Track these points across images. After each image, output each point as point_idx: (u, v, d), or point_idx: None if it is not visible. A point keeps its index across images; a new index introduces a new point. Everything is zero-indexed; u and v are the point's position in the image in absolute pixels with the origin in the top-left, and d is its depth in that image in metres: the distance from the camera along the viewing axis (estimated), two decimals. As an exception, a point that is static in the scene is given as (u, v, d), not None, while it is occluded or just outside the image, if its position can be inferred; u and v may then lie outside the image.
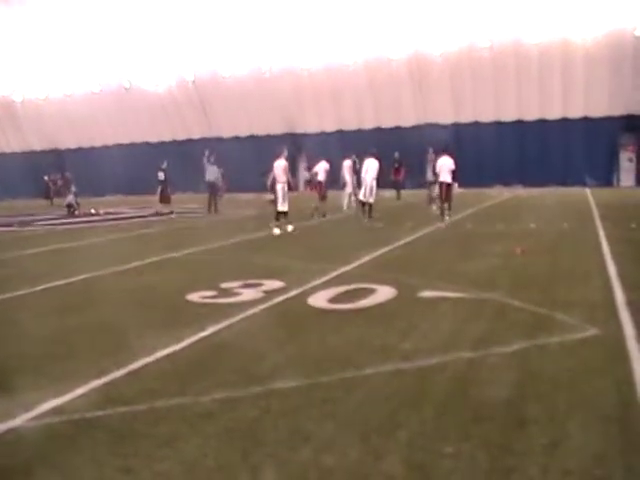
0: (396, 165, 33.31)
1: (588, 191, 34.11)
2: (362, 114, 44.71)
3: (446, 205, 19.83)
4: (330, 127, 45.54)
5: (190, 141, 48.69)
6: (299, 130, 46.38)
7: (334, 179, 25.59)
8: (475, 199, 29.19)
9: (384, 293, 9.10)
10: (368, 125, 44.49)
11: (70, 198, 31.10)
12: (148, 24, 46.02)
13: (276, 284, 9.99)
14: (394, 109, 43.72)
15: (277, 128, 45.98)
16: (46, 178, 44.76)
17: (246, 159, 44.44)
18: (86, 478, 4.04)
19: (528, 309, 7.95)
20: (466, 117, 42.50)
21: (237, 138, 48.47)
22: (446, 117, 42.49)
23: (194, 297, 9.26)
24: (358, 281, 10.02)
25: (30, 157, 54.48)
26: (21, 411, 5.01)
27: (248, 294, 9.32)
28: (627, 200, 28.21)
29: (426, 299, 8.81)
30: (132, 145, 51.53)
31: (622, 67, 37.74)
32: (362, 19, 41.30)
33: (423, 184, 26.77)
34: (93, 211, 30.67)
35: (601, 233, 15.65)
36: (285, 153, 19.30)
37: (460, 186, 22.20)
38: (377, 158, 21.36)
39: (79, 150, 54.06)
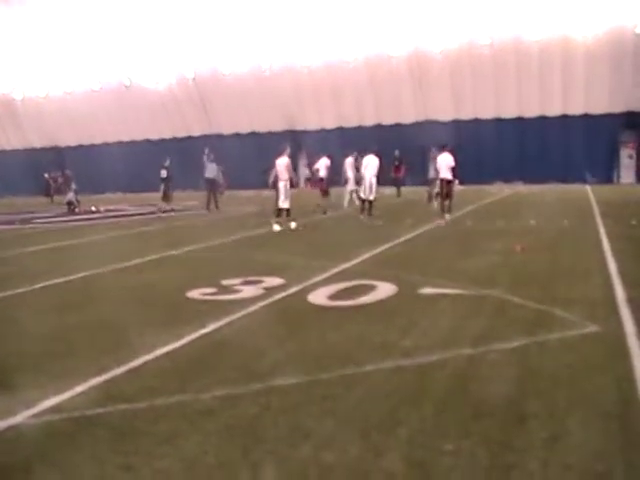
0: (396, 162, 33.30)
1: (588, 188, 34.09)
2: (362, 111, 44.70)
3: (446, 202, 19.81)
4: (330, 124, 45.51)
5: (190, 138, 48.67)
6: (299, 127, 46.37)
7: (336, 175, 25.63)
8: (475, 196, 29.18)
9: (384, 290, 9.10)
10: (368, 122, 44.48)
11: (70, 195, 31.09)
12: (148, 22, 45.99)
13: (276, 281, 9.99)
14: (394, 106, 43.70)
15: (277, 125, 45.98)
16: (46, 176, 44.80)
17: (246, 156, 44.49)
18: (86, 476, 4.04)
19: (528, 306, 7.95)
20: (466, 114, 42.48)
21: (237, 135, 48.47)
22: (446, 114, 42.48)
23: (194, 294, 9.26)
24: (358, 278, 10.01)
25: (30, 155, 54.51)
26: (21, 408, 5.01)
27: (248, 291, 9.32)
28: (627, 197, 28.19)
29: (426, 296, 8.81)
30: (132, 143, 51.54)
31: (622, 64, 37.72)
32: (362, 16, 41.26)
33: (425, 182, 26.75)
34: (93, 209, 30.67)
35: (601, 230, 15.64)
36: (288, 150, 19.32)
37: (460, 183, 22.18)
38: (377, 155, 21.34)
39: (79, 148, 54.07)
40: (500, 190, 35.21)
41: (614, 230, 15.39)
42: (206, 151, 29.11)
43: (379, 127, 43.94)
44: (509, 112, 41.71)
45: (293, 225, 18.38)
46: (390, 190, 31.88)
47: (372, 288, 9.22)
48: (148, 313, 8.46)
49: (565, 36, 38.98)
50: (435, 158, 21.19)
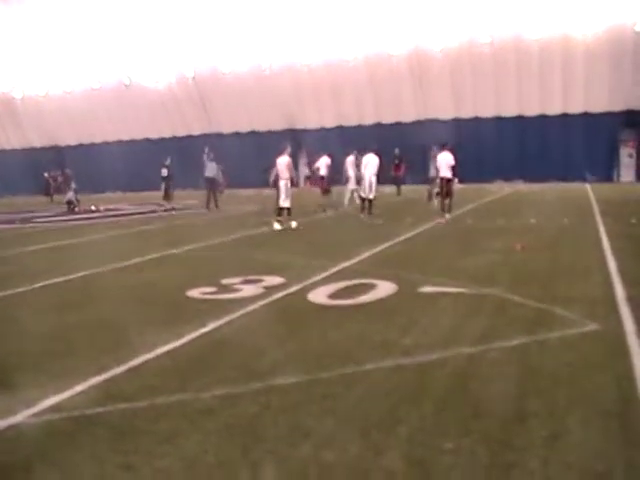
0: (396, 161, 33.35)
1: (588, 186, 34.10)
2: (362, 110, 44.70)
3: (447, 201, 19.82)
4: (330, 123, 45.52)
5: (190, 137, 48.69)
6: (299, 126, 46.36)
7: (336, 174, 25.65)
8: (475, 194, 29.18)
9: (384, 289, 9.10)
10: (368, 121, 44.50)
11: (70, 195, 31.09)
12: (148, 21, 45.97)
13: (276, 280, 9.99)
14: (394, 105, 43.71)
15: (277, 124, 46.00)
16: (46, 175, 44.82)
17: (246, 155, 44.51)
18: (86, 475, 4.04)
19: (528, 304, 7.95)
20: (466, 112, 42.49)
21: (237, 134, 48.48)
22: (446, 113, 42.49)
23: (194, 293, 9.26)
24: (358, 277, 10.01)
25: (30, 154, 54.51)
26: (21, 408, 5.01)
27: (248, 290, 9.32)
28: (627, 196, 28.19)
29: (426, 294, 8.81)
30: (132, 142, 51.56)
31: (622, 63, 37.73)
32: (362, 15, 41.26)
33: (426, 180, 26.76)
34: (93, 208, 30.66)
35: (601, 229, 15.64)
36: (289, 150, 19.36)
37: (460, 182, 22.17)
38: (377, 154, 21.36)
39: (79, 147, 54.09)
40: (500, 189, 35.21)
41: (614, 229, 15.39)
42: (206, 150, 29.14)
43: (379, 126, 43.96)
44: (509, 111, 41.72)
45: (294, 224, 18.38)
46: (390, 189, 31.87)
47: (372, 287, 9.22)
48: (148, 312, 8.45)
49: (565, 35, 38.98)
50: (436, 157, 21.19)
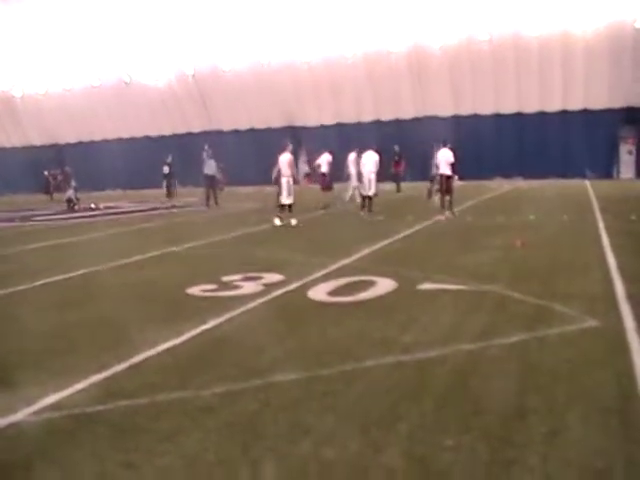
0: (396, 158, 33.35)
1: (588, 183, 34.08)
2: (361, 107, 44.65)
3: (447, 198, 19.83)
4: (329, 120, 45.49)
5: (190, 135, 48.64)
6: (299, 123, 46.32)
7: (337, 171, 25.66)
8: (475, 191, 29.17)
9: (384, 286, 9.11)
10: (367, 118, 44.44)
11: (70, 193, 31.06)
12: (148, 18, 45.92)
13: (276, 277, 10.00)
14: (393, 102, 43.67)
15: (277, 121, 45.97)
16: (46, 173, 44.77)
17: (246, 152, 44.48)
18: (87, 473, 4.05)
19: (528, 301, 7.96)
20: (466, 110, 42.44)
21: (237, 132, 48.44)
22: (445, 110, 42.45)
23: (195, 291, 9.27)
24: (358, 274, 10.02)
25: (30, 152, 54.42)
26: (22, 406, 5.02)
27: (248, 287, 9.33)
28: (627, 192, 28.18)
29: (426, 292, 8.82)
30: (132, 139, 51.50)
31: (622, 59, 37.67)
32: (361, 12, 41.20)
33: (427, 177, 26.69)
34: (93, 206, 30.66)
35: (601, 225, 15.65)
36: (290, 147, 19.43)
37: (460, 179, 22.12)
38: (377, 151, 21.38)
39: (79, 145, 54.01)
40: (499, 185, 35.20)
41: (613, 225, 15.40)
42: (205, 147, 29.16)
43: (378, 123, 43.92)
44: (508, 108, 41.66)
45: (294, 222, 18.39)
46: (390, 186, 31.87)
47: (372, 284, 9.23)
48: (148, 309, 8.46)
49: (564, 31, 38.92)
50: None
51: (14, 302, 9.43)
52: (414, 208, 22.34)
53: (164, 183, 29.15)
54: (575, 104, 40.02)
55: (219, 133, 47.51)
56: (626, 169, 40.61)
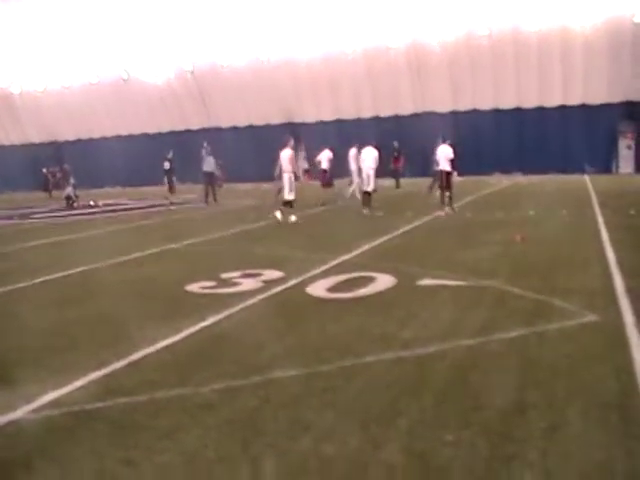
0: (395, 154, 33.34)
1: (587, 178, 34.06)
2: (360, 103, 44.60)
3: (446, 193, 19.82)
4: (328, 116, 45.41)
5: (189, 132, 48.57)
6: (297, 119, 46.27)
7: (338, 168, 25.66)
8: (474, 187, 29.14)
9: (383, 282, 9.10)
10: (366, 114, 44.39)
11: (69, 190, 31.02)
12: (146, 15, 45.84)
13: (275, 274, 9.99)
14: (392, 98, 43.61)
15: (275, 118, 45.92)
16: (45, 170, 44.70)
17: (245, 149, 44.44)
18: (86, 470, 4.05)
19: (527, 296, 7.96)
20: (465, 105, 42.37)
21: (236, 128, 48.38)
22: (445, 105, 42.39)
23: (194, 288, 9.26)
24: (357, 270, 10.01)
25: (29, 149, 54.36)
26: (21, 403, 5.02)
27: (248, 284, 9.32)
28: (626, 187, 28.16)
29: (425, 287, 8.82)
30: (131, 136, 51.43)
31: (621, 54, 37.61)
32: (360, 8, 41.13)
33: (427, 173, 26.67)
34: (92, 203, 30.62)
35: (600, 220, 15.64)
36: (291, 143, 19.35)
37: (459, 174, 22.10)
38: (376, 147, 21.37)
39: (78, 142, 53.94)
40: (499, 181, 35.16)
41: (613, 220, 15.39)
42: (204, 144, 29.12)
43: (377, 119, 43.85)
44: (508, 103, 41.59)
45: (293, 218, 18.38)
46: (389, 182, 31.86)
47: (371, 280, 9.22)
48: (148, 307, 8.46)
49: (564, 26, 38.84)
50: None
51: (13, 300, 9.43)
52: (413, 204, 22.33)
53: (165, 179, 29.05)
54: (574, 99, 39.97)
55: (218, 130, 47.45)
56: (625, 164, 40.58)
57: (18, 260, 13.58)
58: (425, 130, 34.16)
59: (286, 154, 18.83)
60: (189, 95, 49.20)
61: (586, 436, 4.16)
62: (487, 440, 4.13)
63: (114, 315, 7.96)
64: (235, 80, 46.08)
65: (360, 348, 6.10)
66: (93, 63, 49.75)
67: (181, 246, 14.26)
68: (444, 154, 19.89)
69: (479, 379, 5.23)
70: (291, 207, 18.65)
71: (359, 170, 22.52)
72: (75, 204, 30.15)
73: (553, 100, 40.57)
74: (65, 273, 11.14)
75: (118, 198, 35.39)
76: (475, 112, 42.27)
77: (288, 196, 18.66)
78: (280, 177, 18.90)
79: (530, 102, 41.11)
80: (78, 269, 11.48)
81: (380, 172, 22.02)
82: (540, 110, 40.98)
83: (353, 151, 24.67)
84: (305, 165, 42.83)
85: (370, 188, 20.64)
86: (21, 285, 10.21)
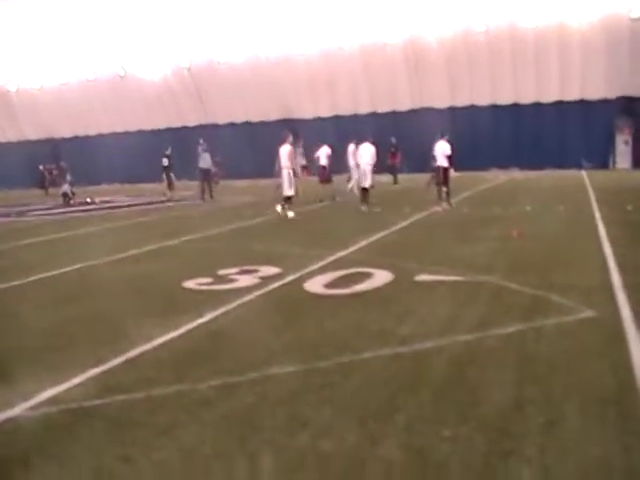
0: (392, 150, 33.33)
1: (584, 174, 34.08)
2: (358, 99, 44.58)
3: (444, 189, 19.83)
4: (326, 112, 45.39)
5: (186, 128, 48.49)
6: (295, 116, 46.22)
7: (336, 164, 25.65)
8: (471, 182, 29.12)
9: (381, 277, 9.10)
10: (364, 110, 44.37)
11: (65, 187, 31.01)
12: (143, 11, 45.74)
13: (272, 270, 9.99)
14: (390, 94, 43.59)
15: (273, 114, 45.87)
16: (41, 167, 44.65)
17: (242, 146, 44.39)
18: (84, 467, 4.04)
19: (525, 292, 7.96)
20: (462, 101, 42.38)
21: (233, 125, 48.34)
22: (442, 101, 42.39)
23: (191, 284, 9.26)
24: (355, 266, 10.01)
25: (25, 147, 54.28)
26: (19, 401, 5.01)
27: (245, 280, 9.31)
28: (623, 183, 28.18)
29: (423, 283, 8.81)
30: (127, 133, 51.37)
31: (618, 50, 37.59)
32: (357, 4, 41.09)
33: (424, 169, 26.65)
34: (89, 200, 30.59)
35: (597, 215, 15.64)
36: (290, 139, 19.36)
37: (457, 170, 22.04)
38: (373, 143, 21.37)
39: (74, 139, 53.86)
40: (496, 176, 35.16)
41: (610, 216, 15.39)
42: (200, 141, 29.09)
43: (375, 115, 43.84)
44: (505, 99, 41.61)
45: (291, 214, 18.38)
46: (387, 177, 31.84)
47: (368, 276, 9.22)
48: (145, 304, 8.45)
49: (561, 22, 38.83)
50: None
51: (9, 297, 9.41)
52: (411, 200, 22.32)
53: (164, 175, 29.03)
54: (571, 95, 39.97)
55: (215, 126, 47.41)
56: (622, 159, 40.60)
57: (14, 258, 13.56)
58: (422, 126, 34.20)
59: (285, 150, 18.85)
60: (186, 92, 49.13)
61: (584, 432, 4.16)
62: (485, 436, 4.13)
63: (111, 312, 7.96)
64: (232, 77, 46.03)
65: (358, 344, 6.09)
66: (90, 60, 49.66)
67: (178, 243, 14.25)
68: (441, 150, 19.89)
69: (477, 375, 5.23)
70: (290, 203, 18.66)
71: (357, 166, 22.51)
72: (72, 201, 30.14)
73: (550, 96, 40.57)
74: (62, 270, 11.12)
75: (115, 195, 35.36)
76: (472, 108, 42.28)
77: (287, 192, 18.69)
78: (279, 174, 18.93)
79: (527, 98, 41.11)
80: (75, 266, 11.46)
81: (378, 168, 22.03)
82: (537, 106, 40.99)
83: (352, 147, 24.66)
84: (303, 161, 42.78)
85: (367, 184, 20.64)
86: (17, 283, 10.18)
